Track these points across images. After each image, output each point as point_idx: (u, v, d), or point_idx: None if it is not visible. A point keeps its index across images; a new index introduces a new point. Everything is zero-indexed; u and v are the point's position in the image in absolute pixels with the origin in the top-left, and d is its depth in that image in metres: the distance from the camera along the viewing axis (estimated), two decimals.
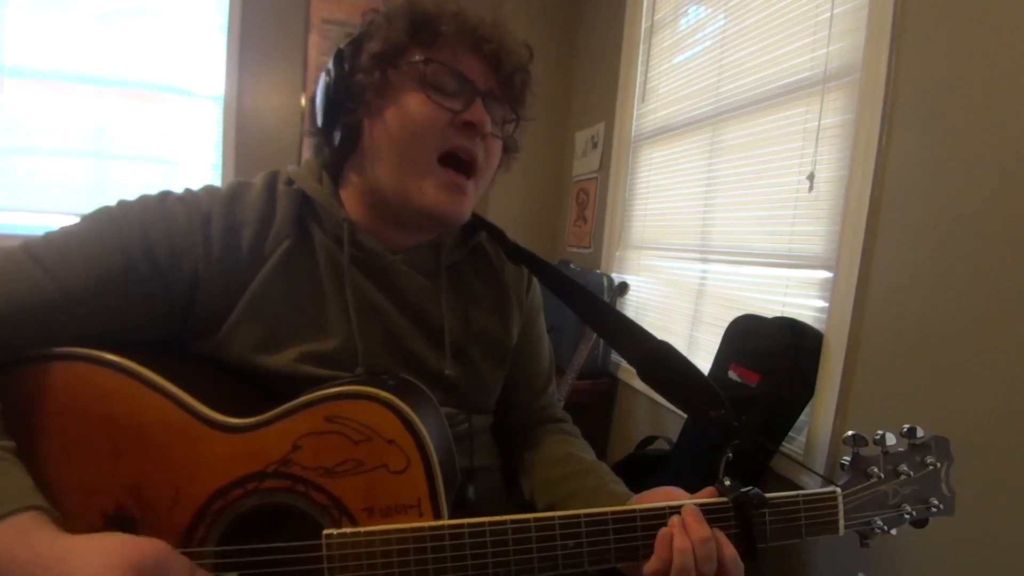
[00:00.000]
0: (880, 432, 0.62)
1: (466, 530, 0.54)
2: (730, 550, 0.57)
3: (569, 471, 0.77)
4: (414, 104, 0.64)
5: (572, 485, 0.75)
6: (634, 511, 0.57)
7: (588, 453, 0.82)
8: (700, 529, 0.56)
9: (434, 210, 0.66)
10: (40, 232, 0.60)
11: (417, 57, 0.64)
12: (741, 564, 0.57)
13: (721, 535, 0.57)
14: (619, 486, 0.73)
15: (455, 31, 0.64)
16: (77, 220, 0.61)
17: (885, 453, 0.62)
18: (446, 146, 0.65)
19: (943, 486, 0.64)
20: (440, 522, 0.55)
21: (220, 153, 2.58)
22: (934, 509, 0.63)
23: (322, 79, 0.68)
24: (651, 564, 0.56)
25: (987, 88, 1.00)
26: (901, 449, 0.63)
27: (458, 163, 0.66)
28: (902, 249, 1.14)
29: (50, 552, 0.47)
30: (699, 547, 0.55)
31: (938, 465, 0.63)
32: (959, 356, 1.03)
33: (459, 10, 0.64)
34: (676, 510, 0.58)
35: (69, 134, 2.41)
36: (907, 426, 0.63)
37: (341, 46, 0.66)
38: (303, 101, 2.64)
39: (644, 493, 0.66)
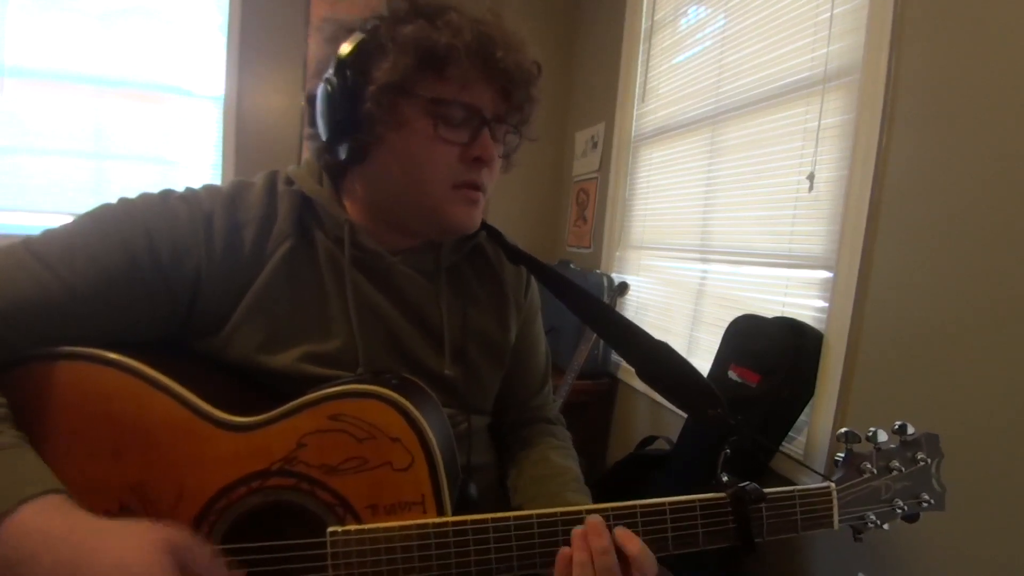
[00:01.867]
0: (872, 429, 0.63)
1: (469, 527, 0.55)
2: (634, 549, 0.55)
3: (539, 475, 0.78)
4: (425, 140, 0.64)
5: (537, 489, 0.76)
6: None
7: (566, 459, 0.81)
8: (599, 540, 0.55)
9: (453, 225, 0.68)
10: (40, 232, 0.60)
11: (428, 93, 0.63)
12: (652, 560, 0.56)
13: (627, 532, 0.56)
14: (577, 495, 0.74)
15: (468, 66, 0.62)
16: (77, 217, 0.61)
17: (877, 449, 0.64)
18: (456, 180, 0.66)
19: (934, 482, 0.65)
20: (444, 519, 0.56)
21: (220, 153, 2.58)
22: (925, 504, 0.64)
23: (322, 88, 0.65)
24: None
25: (987, 88, 1.01)
26: (893, 446, 0.64)
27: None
28: (902, 249, 1.14)
29: (86, 526, 0.48)
30: (598, 559, 0.54)
31: (929, 461, 0.65)
32: (958, 356, 1.03)
33: (473, 39, 0.62)
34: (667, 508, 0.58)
35: (69, 134, 2.41)
36: (898, 423, 0.64)
37: (342, 54, 0.63)
38: (303, 101, 2.64)
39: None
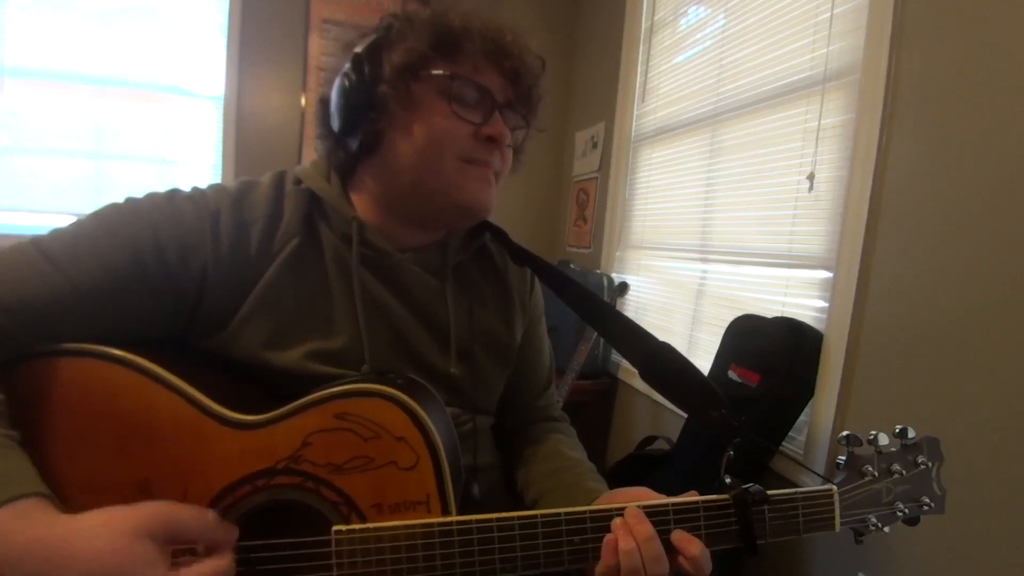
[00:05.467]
0: (873, 432, 0.64)
1: (474, 526, 0.55)
2: (695, 548, 0.56)
3: (553, 467, 0.78)
4: (440, 117, 0.65)
5: (553, 481, 0.76)
6: (607, 510, 0.58)
7: (576, 451, 0.83)
8: (643, 529, 0.56)
9: (470, 202, 0.68)
10: (41, 232, 0.60)
11: (441, 71, 0.65)
12: (709, 560, 0.57)
13: (686, 535, 0.57)
14: (597, 483, 0.74)
15: (479, 48, 0.65)
16: (84, 216, 0.61)
17: (879, 452, 0.64)
18: (468, 156, 0.67)
19: (934, 485, 0.65)
20: (448, 518, 0.56)
21: (220, 153, 2.58)
22: (926, 507, 0.64)
23: (338, 82, 0.67)
24: (599, 569, 0.56)
25: (987, 88, 1.01)
26: (894, 449, 0.65)
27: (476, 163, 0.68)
28: (902, 249, 1.15)
29: (51, 532, 0.47)
30: (644, 547, 0.55)
31: (929, 464, 0.65)
32: (958, 356, 1.03)
33: (483, 26, 0.65)
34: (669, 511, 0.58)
35: (69, 134, 2.40)
36: (899, 426, 0.65)
37: (358, 49, 0.66)
38: (303, 101, 2.65)
39: (613, 492, 0.67)
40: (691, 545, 0.57)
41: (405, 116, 0.66)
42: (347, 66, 0.66)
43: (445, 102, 0.65)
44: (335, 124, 0.68)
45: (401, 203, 0.69)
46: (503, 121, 0.68)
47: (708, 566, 0.57)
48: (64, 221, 0.61)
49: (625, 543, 0.55)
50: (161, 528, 0.48)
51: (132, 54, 2.46)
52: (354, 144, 0.68)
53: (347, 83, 0.66)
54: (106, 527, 0.47)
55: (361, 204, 0.71)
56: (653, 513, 0.57)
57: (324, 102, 0.71)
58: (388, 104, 0.65)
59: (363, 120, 0.66)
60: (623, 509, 0.57)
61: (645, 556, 0.55)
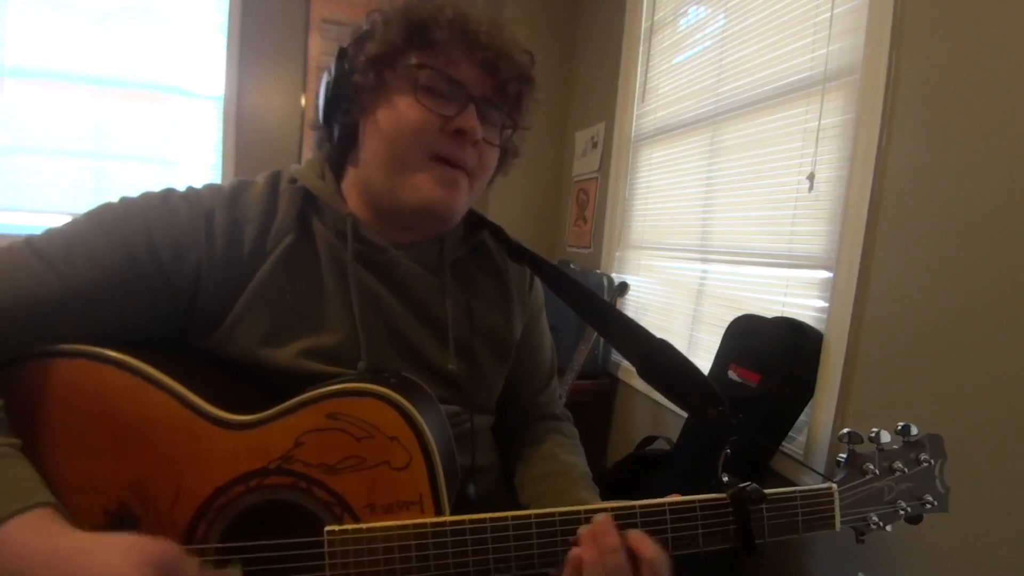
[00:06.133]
0: (875, 430, 0.63)
1: (467, 526, 0.54)
2: (649, 551, 0.54)
3: (547, 471, 0.78)
4: (405, 107, 0.64)
5: (545, 485, 0.76)
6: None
7: (573, 456, 0.82)
8: (608, 539, 0.54)
9: (427, 204, 0.66)
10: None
11: (412, 61, 0.64)
12: (666, 563, 0.56)
13: (640, 535, 0.55)
14: (588, 493, 0.73)
15: (450, 37, 0.64)
16: (78, 216, 0.61)
17: (880, 450, 0.63)
18: (434, 151, 0.65)
19: (937, 483, 0.64)
20: (441, 518, 0.55)
21: (220, 153, 2.58)
22: (928, 505, 0.63)
23: (324, 76, 0.69)
24: None
25: (987, 88, 1.01)
26: (896, 446, 0.64)
27: (448, 162, 0.67)
28: (902, 249, 1.14)
29: (69, 546, 0.48)
30: (609, 558, 0.53)
31: (932, 462, 0.64)
32: (958, 356, 1.03)
33: (456, 15, 0.64)
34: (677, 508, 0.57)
35: (69, 134, 2.41)
36: (901, 424, 0.64)
37: (344, 45, 0.68)
38: (303, 101, 2.65)
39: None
40: (644, 547, 0.54)
41: (375, 106, 0.66)
42: (332, 61, 0.68)
43: (413, 94, 0.64)
44: (320, 115, 0.70)
45: (380, 199, 0.69)
46: (482, 117, 0.66)
47: (666, 572, 0.55)
48: (64, 221, 0.61)
49: (589, 554, 0.54)
50: (168, 566, 0.49)
51: (132, 54, 2.46)
52: (336, 134, 0.69)
53: (328, 76, 0.68)
54: (121, 551, 0.48)
55: (353, 201, 0.71)
56: (621, 516, 0.56)
57: (317, 96, 0.72)
58: (360, 94, 0.66)
59: (339, 110, 0.68)
60: (592, 513, 0.56)
61: (609, 568, 0.53)
